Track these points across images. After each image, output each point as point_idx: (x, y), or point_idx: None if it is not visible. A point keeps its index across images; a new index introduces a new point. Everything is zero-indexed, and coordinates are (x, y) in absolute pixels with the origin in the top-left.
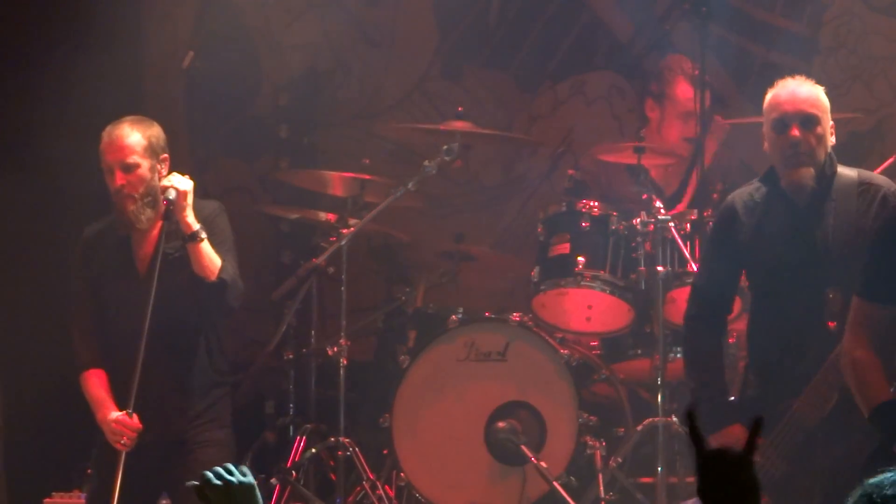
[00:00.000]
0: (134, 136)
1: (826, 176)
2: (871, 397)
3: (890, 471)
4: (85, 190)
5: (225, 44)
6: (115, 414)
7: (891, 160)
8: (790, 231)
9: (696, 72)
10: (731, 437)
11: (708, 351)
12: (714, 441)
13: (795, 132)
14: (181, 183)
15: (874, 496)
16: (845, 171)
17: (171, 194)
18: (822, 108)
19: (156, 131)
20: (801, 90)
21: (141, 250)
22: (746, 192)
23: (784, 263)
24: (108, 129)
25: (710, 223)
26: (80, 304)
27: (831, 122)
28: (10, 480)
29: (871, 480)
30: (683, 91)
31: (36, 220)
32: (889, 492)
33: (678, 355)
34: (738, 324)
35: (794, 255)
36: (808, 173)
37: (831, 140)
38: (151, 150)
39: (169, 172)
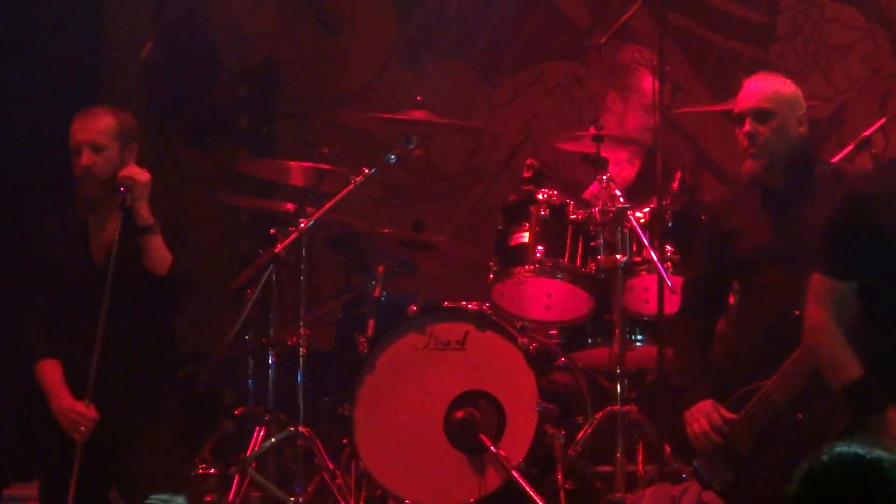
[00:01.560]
0: (106, 118)
1: (799, 165)
2: (842, 375)
3: (837, 447)
4: (42, 178)
5: (184, 33)
6: (72, 403)
7: (849, 147)
8: (768, 221)
9: (656, 62)
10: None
11: (688, 341)
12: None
13: (747, 126)
14: (139, 174)
15: (819, 475)
16: (824, 166)
17: (128, 183)
18: (781, 101)
19: (128, 118)
20: (759, 85)
21: (98, 240)
22: (730, 188)
23: (763, 253)
24: (81, 111)
25: (670, 212)
26: (36, 294)
27: (800, 112)
28: None
29: (817, 459)
30: (648, 83)
31: None
32: (834, 472)
33: (637, 343)
34: None
35: (772, 244)
36: (759, 165)
37: (798, 130)
38: (121, 136)
39: None
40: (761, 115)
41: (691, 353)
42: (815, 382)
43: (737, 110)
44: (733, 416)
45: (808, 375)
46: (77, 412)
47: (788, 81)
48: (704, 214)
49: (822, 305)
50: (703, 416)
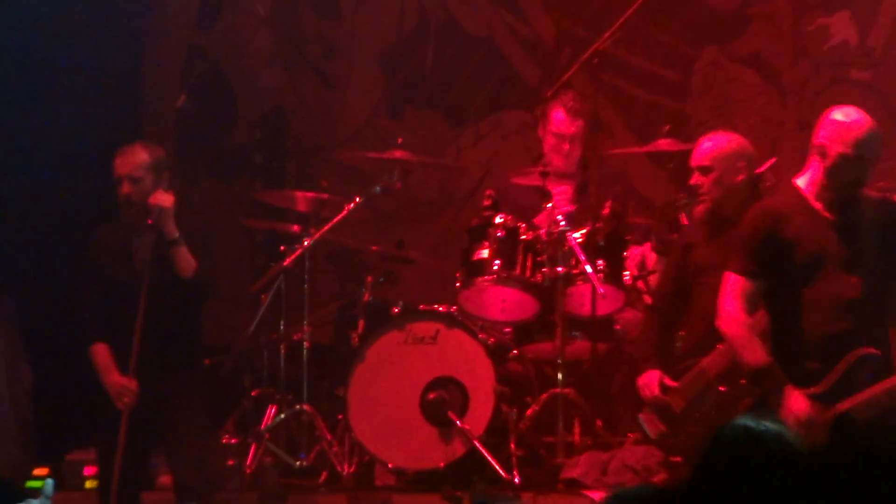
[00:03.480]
0: (141, 154)
1: (749, 201)
2: (752, 359)
3: (734, 421)
4: (91, 200)
5: (209, 87)
6: (119, 378)
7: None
8: (715, 239)
9: (572, 103)
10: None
11: (650, 329)
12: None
13: (693, 179)
14: (164, 199)
15: (716, 444)
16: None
17: (156, 210)
18: (718, 158)
19: (160, 153)
20: (703, 145)
21: (138, 249)
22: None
23: (709, 264)
24: (122, 147)
25: (602, 233)
26: (89, 289)
27: (739, 163)
28: (38, 439)
29: (726, 429)
30: (557, 115)
31: (53, 221)
32: (727, 441)
33: (577, 338)
34: (624, 313)
35: (715, 258)
36: (704, 207)
37: (735, 179)
38: (154, 168)
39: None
40: (703, 170)
41: (650, 338)
42: (739, 364)
43: (690, 164)
44: (674, 383)
45: (734, 357)
46: (122, 385)
47: (731, 139)
48: (679, 244)
49: (735, 299)
50: (652, 382)
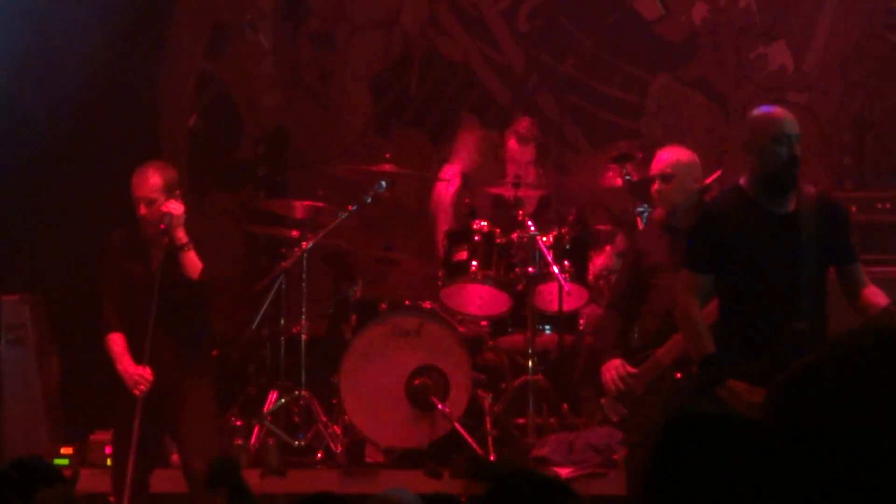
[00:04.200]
0: (155, 177)
1: (696, 209)
2: (699, 349)
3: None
4: (112, 206)
5: (217, 108)
6: (134, 367)
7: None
8: (668, 245)
9: (523, 131)
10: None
11: (609, 323)
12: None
13: (656, 185)
14: (175, 209)
15: (674, 424)
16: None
17: (167, 219)
18: (679, 167)
19: (172, 174)
20: (664, 155)
21: (154, 251)
22: (650, 227)
23: (662, 266)
24: (138, 170)
25: (567, 237)
26: (109, 286)
27: (696, 173)
28: (64, 422)
29: (680, 412)
30: (511, 143)
31: (78, 228)
32: (685, 422)
33: (545, 331)
34: (587, 309)
35: (668, 261)
36: (664, 211)
37: (693, 186)
38: (167, 189)
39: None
40: (665, 177)
41: (610, 331)
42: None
43: (651, 173)
44: (634, 370)
45: (686, 347)
46: (138, 374)
47: (687, 151)
48: (633, 249)
49: (687, 293)
50: (614, 369)
